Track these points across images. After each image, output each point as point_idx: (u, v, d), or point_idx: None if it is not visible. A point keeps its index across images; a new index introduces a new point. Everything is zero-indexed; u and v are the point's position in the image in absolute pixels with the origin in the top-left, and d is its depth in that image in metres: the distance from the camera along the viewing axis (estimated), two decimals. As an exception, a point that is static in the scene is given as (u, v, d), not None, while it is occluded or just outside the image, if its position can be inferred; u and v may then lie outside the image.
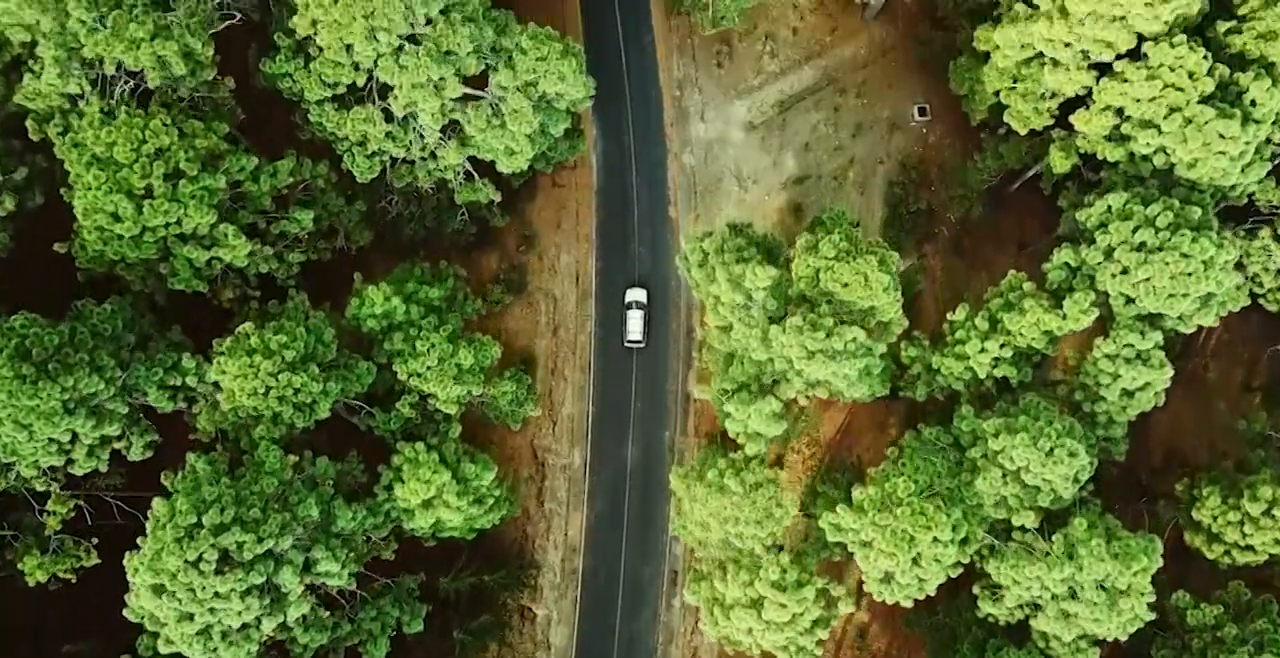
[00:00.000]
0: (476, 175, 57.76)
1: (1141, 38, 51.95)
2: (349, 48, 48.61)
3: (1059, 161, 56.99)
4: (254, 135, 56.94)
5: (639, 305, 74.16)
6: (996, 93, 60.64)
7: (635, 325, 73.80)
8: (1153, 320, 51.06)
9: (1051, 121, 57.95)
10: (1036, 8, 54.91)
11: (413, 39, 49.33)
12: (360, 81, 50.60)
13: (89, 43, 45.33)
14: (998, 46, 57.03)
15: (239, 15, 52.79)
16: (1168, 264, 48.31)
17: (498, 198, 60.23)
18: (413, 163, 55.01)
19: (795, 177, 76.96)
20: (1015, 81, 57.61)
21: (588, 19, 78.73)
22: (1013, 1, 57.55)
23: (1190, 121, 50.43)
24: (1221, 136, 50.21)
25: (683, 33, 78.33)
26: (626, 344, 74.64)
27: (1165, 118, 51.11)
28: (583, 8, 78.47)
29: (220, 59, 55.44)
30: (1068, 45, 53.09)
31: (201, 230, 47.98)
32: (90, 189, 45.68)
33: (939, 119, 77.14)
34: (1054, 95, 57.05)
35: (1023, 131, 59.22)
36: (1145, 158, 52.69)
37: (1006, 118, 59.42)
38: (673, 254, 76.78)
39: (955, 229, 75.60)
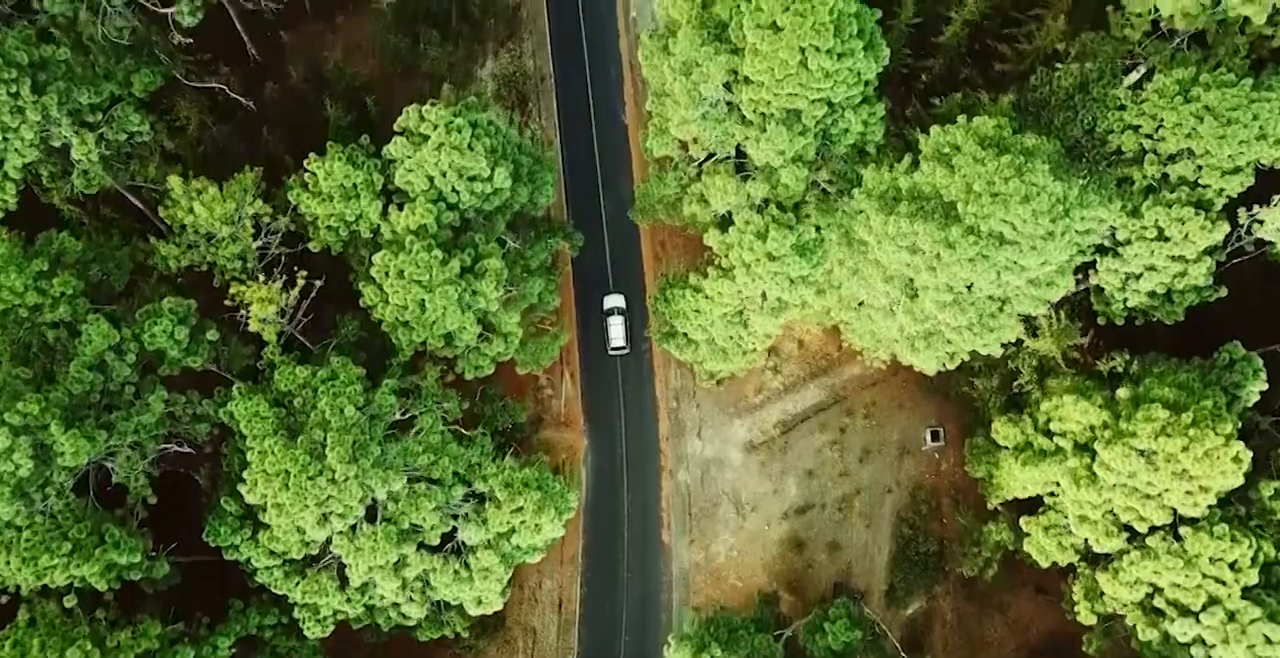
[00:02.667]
0: (444, 605, 52.91)
1: (1178, 514, 47.16)
2: (301, 528, 44.17)
3: (1084, 612, 51.95)
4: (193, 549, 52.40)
5: (619, 311, 72.09)
6: (1014, 500, 55.73)
7: (617, 332, 71.86)
8: None
9: (1076, 557, 52.92)
10: (1058, 447, 50.26)
11: (371, 514, 44.90)
12: (314, 552, 46.11)
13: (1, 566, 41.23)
14: (1016, 475, 52.27)
15: (189, 447, 48.60)
16: None
17: (465, 633, 55.39)
18: (372, 607, 50.24)
19: (797, 506, 71.95)
20: (1038, 510, 52.76)
21: (583, 319, 74.61)
22: (1034, 428, 52.92)
23: (1233, 617, 45.41)
24: (1268, 640, 45.12)
25: (681, 344, 73.94)
26: (610, 352, 72.19)
27: (1204, 608, 46.12)
28: (578, 308, 74.34)
29: (168, 481, 51.34)
30: (1096, 506, 48.32)
31: (127, 744, 43.38)
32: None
33: (953, 445, 72.16)
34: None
35: (1044, 565, 54.25)
36: (1183, 646, 47.57)
37: (1026, 546, 54.47)
38: (663, 584, 71.96)
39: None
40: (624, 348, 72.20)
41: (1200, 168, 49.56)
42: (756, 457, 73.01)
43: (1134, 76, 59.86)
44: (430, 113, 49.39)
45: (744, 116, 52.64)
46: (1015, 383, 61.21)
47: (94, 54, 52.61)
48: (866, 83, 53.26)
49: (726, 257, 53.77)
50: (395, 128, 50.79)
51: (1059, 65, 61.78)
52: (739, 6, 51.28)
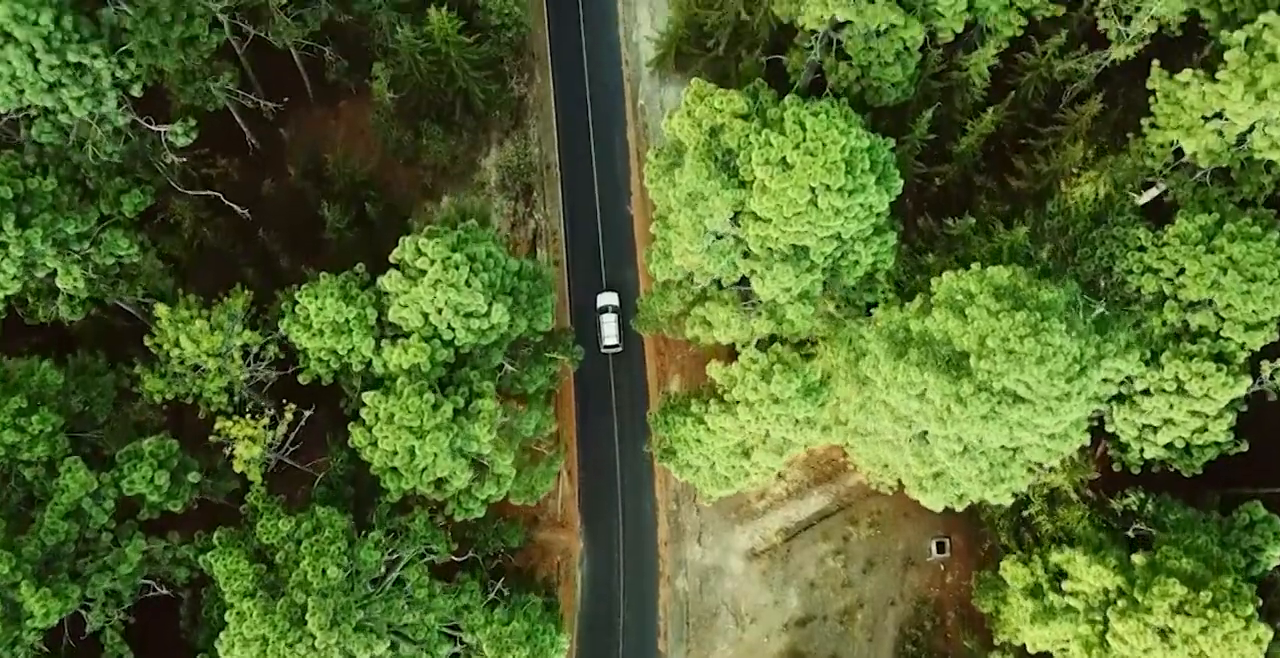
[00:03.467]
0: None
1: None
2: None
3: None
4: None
5: (612, 309, 70.50)
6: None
7: (610, 330, 70.03)
8: None
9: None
10: (1069, 606, 48.36)
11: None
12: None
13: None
14: (1025, 631, 50.35)
15: (167, 589, 46.99)
16: None
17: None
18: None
19: (798, 617, 69.98)
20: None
21: (583, 417, 72.83)
22: (1044, 570, 51.00)
23: None
24: None
25: (683, 446, 72.08)
26: (603, 350, 70.10)
27: None
28: (579, 405, 72.59)
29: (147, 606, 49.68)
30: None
31: None
32: None
33: (959, 557, 70.31)
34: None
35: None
36: None
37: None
38: (660, 698, 70.04)
39: (973, 693, 68.27)
40: (617, 346, 70.62)
41: (1223, 320, 47.75)
42: (758, 565, 71.11)
43: (1152, 193, 58.27)
44: (427, 246, 47.76)
45: (750, 250, 51.03)
46: (1025, 511, 59.40)
47: (85, 169, 51.26)
48: (879, 214, 51.67)
49: (730, 391, 52.04)
50: (391, 259, 49.22)
51: (1077, 172, 60.04)
52: (748, 137, 49.70)
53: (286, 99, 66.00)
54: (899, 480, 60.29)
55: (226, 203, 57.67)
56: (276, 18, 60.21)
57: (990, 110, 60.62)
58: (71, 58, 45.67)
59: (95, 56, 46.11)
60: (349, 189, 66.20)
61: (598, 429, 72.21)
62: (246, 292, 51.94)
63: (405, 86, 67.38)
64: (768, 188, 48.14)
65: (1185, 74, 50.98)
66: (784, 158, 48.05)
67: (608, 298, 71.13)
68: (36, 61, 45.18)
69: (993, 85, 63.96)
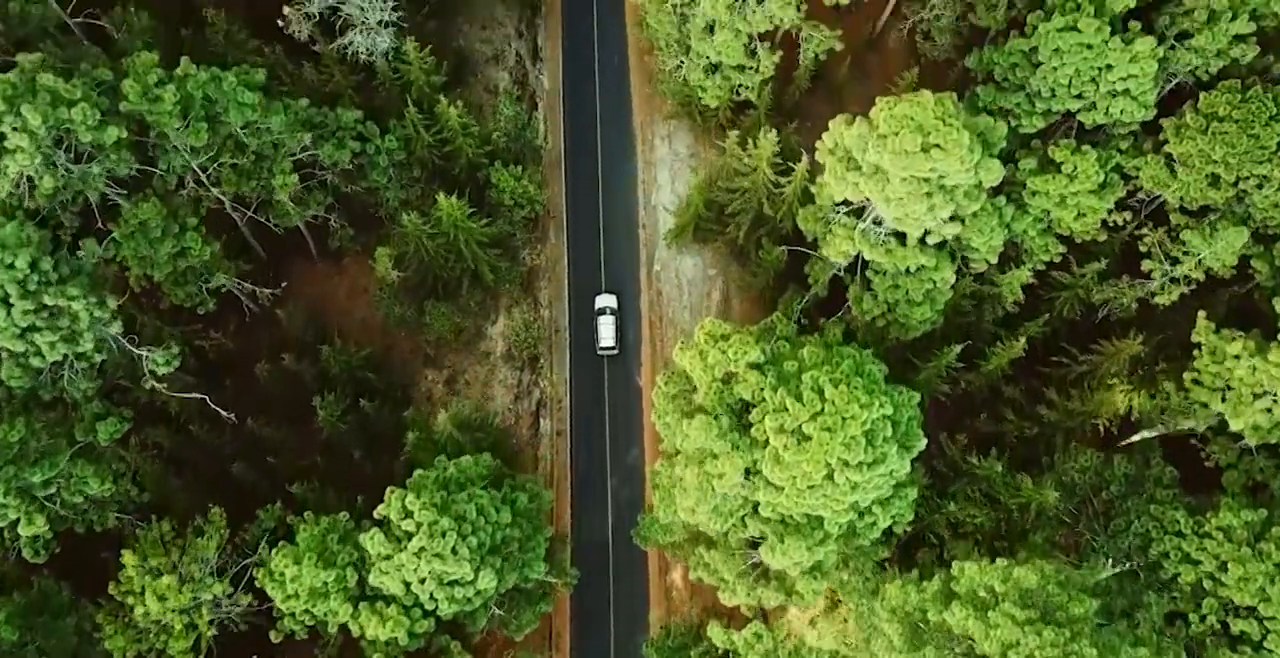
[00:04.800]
0: None
1: None
2: None
3: None
4: None
5: (610, 311, 69.35)
6: None
7: (607, 332, 69.03)
8: None
9: None
10: None
11: None
12: None
13: None
14: None
15: None
16: None
17: None
18: None
19: None
20: None
21: (579, 600, 69.35)
22: None
23: None
24: None
25: None
26: (599, 352, 69.28)
27: None
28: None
29: None
30: None
31: None
32: None
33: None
34: None
35: None
36: None
37: None
38: None
39: None
40: (613, 348, 69.22)
41: (1268, 630, 44.21)
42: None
43: (1191, 423, 54.78)
44: (414, 505, 44.71)
45: (760, 511, 47.82)
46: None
47: (63, 384, 48.56)
48: (899, 475, 48.39)
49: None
50: (375, 515, 46.19)
51: (1123, 387, 56.24)
52: (762, 392, 46.57)
53: (284, 284, 63.20)
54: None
55: (212, 406, 54.84)
56: (283, 200, 57.65)
57: (1021, 338, 57.33)
58: (48, 301, 43.02)
59: (74, 298, 43.43)
60: (345, 373, 63.37)
61: (595, 614, 68.66)
62: (222, 529, 48.91)
63: (410, 264, 64.64)
64: (781, 459, 44.95)
65: (1236, 346, 47.74)
66: (800, 427, 44.88)
67: (606, 300, 69.41)
68: (10, 307, 42.55)
69: (1026, 295, 60.78)
